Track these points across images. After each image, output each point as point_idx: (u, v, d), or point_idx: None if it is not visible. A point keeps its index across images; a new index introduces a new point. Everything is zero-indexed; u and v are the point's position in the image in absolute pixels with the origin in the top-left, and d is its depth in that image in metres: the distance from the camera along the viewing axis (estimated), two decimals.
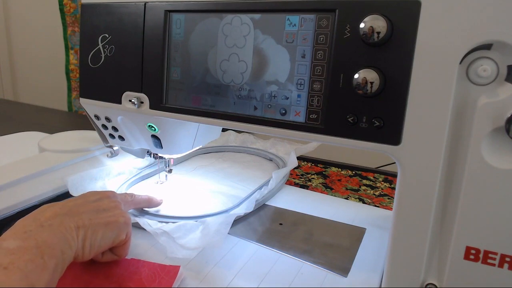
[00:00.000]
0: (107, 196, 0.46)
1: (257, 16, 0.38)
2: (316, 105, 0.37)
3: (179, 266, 0.43)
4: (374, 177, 0.76)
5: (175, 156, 0.58)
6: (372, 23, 0.32)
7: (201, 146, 0.61)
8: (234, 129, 0.74)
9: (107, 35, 0.47)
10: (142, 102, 0.46)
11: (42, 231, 0.36)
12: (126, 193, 0.49)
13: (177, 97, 0.44)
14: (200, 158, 0.78)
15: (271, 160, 0.78)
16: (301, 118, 0.37)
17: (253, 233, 0.52)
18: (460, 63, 0.31)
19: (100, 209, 0.43)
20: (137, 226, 0.50)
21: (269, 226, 0.54)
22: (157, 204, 0.54)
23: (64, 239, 0.37)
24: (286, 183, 0.69)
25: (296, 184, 0.71)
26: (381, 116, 0.34)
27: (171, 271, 0.42)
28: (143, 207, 0.53)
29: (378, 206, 0.62)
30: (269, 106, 0.39)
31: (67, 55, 1.69)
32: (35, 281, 0.32)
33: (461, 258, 0.33)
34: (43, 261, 0.34)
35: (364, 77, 0.33)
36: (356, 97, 0.34)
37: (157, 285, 0.41)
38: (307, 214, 0.58)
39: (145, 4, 0.43)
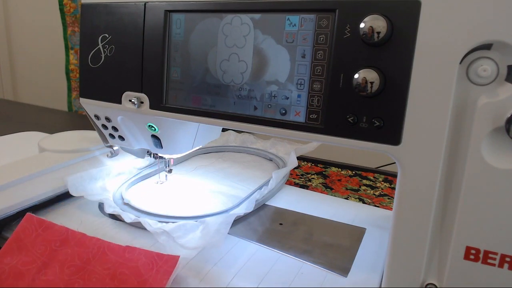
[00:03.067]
0: None
1: (257, 16, 0.38)
2: (316, 105, 0.37)
3: (178, 256, 0.41)
4: (374, 177, 0.76)
5: (175, 156, 0.58)
6: (372, 23, 0.32)
7: (201, 146, 0.61)
8: (234, 129, 0.74)
9: (107, 35, 0.47)
10: (142, 102, 0.46)
11: None
12: None
13: (177, 97, 0.44)
14: (200, 158, 0.78)
15: (271, 160, 0.77)
16: (301, 118, 0.37)
17: (253, 233, 0.52)
18: (460, 63, 0.31)
19: None
20: (137, 225, 0.50)
21: (269, 226, 0.54)
22: None
23: None
24: (286, 183, 0.69)
25: (296, 184, 0.71)
26: (381, 116, 0.34)
27: (170, 261, 0.41)
28: None
29: (378, 206, 0.62)
30: (269, 106, 0.39)
31: (67, 55, 1.69)
32: None
33: (461, 258, 0.33)
34: None
35: (364, 77, 0.33)
36: (356, 97, 0.34)
37: (155, 274, 0.39)
38: (307, 214, 0.58)
39: (145, 4, 0.43)
